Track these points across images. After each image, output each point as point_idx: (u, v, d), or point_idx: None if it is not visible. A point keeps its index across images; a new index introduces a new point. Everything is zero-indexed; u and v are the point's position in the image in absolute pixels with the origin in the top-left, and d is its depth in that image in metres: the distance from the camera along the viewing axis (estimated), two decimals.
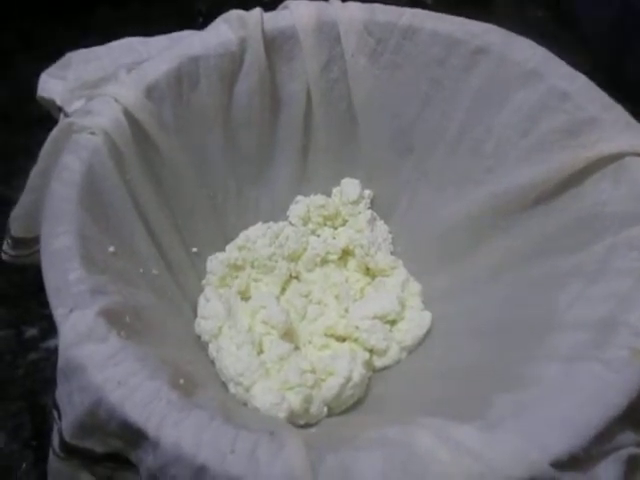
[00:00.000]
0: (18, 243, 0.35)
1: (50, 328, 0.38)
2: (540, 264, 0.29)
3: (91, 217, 0.27)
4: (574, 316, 0.25)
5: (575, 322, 0.25)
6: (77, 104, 0.43)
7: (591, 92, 0.30)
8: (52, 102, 0.44)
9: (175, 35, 0.47)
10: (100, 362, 0.21)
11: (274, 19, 0.34)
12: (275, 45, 0.34)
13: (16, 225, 0.34)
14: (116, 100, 0.30)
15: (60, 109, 0.44)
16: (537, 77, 0.31)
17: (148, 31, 0.49)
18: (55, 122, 0.43)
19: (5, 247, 0.36)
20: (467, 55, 0.33)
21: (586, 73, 0.31)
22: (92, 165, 0.28)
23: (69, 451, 0.23)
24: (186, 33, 0.47)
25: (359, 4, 0.35)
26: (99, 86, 0.42)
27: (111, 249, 0.27)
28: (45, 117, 0.45)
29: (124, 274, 0.27)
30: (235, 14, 0.34)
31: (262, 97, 0.35)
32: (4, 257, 0.37)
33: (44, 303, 0.38)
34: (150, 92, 0.31)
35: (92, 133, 0.29)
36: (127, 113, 0.30)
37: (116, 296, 0.25)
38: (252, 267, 0.35)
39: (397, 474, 0.19)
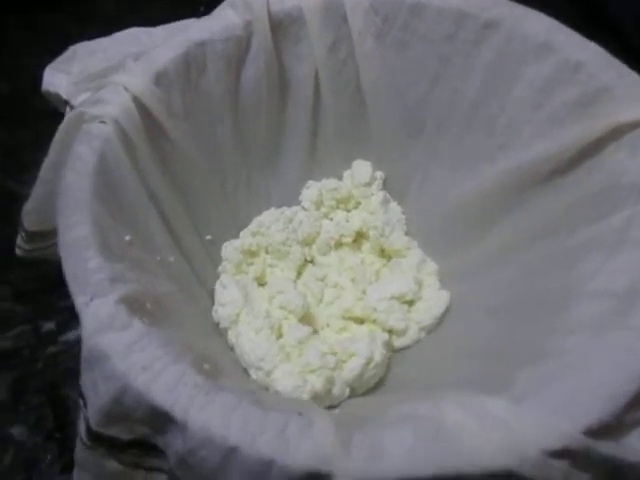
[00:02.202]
0: (33, 237, 0.35)
1: (67, 321, 0.38)
2: (557, 239, 0.29)
3: (106, 206, 0.26)
4: (595, 288, 0.25)
5: (597, 293, 0.25)
6: (83, 97, 0.43)
7: (604, 61, 0.29)
8: (58, 96, 0.43)
9: (179, 24, 0.47)
10: (123, 349, 0.21)
11: (280, 1, 0.34)
12: (281, 28, 0.34)
13: (30, 218, 0.34)
14: (125, 88, 0.30)
15: (66, 102, 0.44)
16: (549, 50, 0.31)
17: (149, 22, 0.49)
18: (61, 116, 0.43)
19: (19, 242, 0.36)
20: (477, 29, 0.32)
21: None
22: (104, 154, 0.28)
23: (96, 439, 0.23)
24: (190, 22, 0.46)
25: None
26: (105, 77, 0.43)
27: (127, 238, 0.27)
28: (51, 111, 0.45)
29: (141, 262, 0.27)
30: None
31: (270, 81, 0.34)
32: (18, 252, 0.37)
33: (60, 297, 0.39)
34: (159, 79, 0.31)
35: (103, 122, 0.28)
36: (137, 101, 0.30)
37: (135, 284, 0.24)
38: (267, 253, 0.35)
39: (427, 448, 0.19)
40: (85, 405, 0.23)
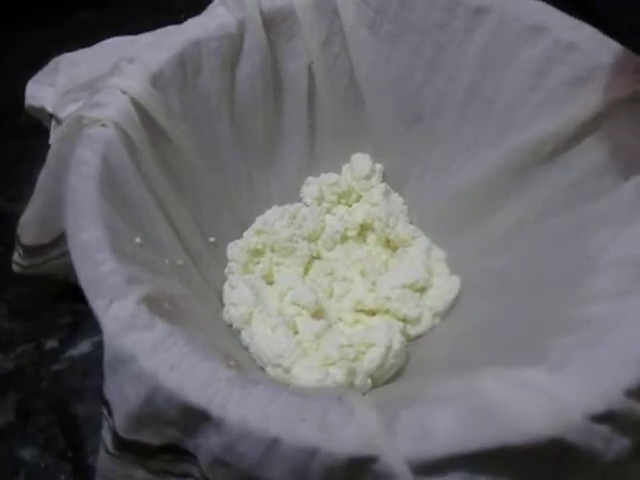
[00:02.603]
0: (31, 251, 0.34)
1: (70, 338, 0.37)
2: (565, 215, 0.29)
3: (114, 209, 0.26)
4: (612, 258, 0.25)
5: (614, 262, 0.25)
6: (70, 108, 0.42)
7: (597, 40, 0.30)
8: (42, 110, 0.43)
9: (162, 31, 0.47)
10: (150, 349, 0.21)
11: None
12: (274, 24, 0.34)
13: (27, 232, 0.33)
14: (123, 91, 0.29)
15: (52, 116, 0.43)
16: (541, 31, 0.31)
17: (129, 31, 0.48)
18: (45, 131, 0.43)
19: (16, 258, 0.35)
20: (468, 16, 0.33)
21: None
22: (108, 157, 0.27)
23: (123, 447, 0.22)
24: (175, 27, 0.46)
25: None
26: (92, 88, 0.42)
27: (138, 240, 0.26)
28: (34, 126, 0.44)
29: (153, 265, 0.27)
30: None
31: (265, 78, 0.34)
32: (16, 268, 0.35)
33: (60, 313, 0.38)
34: (155, 81, 0.30)
35: (103, 125, 0.28)
36: (135, 103, 0.29)
37: (151, 285, 0.24)
38: (272, 251, 0.35)
39: (474, 422, 0.18)
40: (110, 413, 0.22)
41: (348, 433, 0.19)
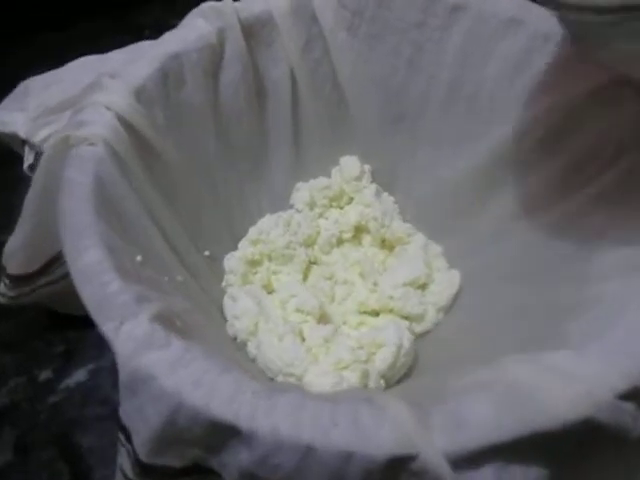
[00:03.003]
0: (18, 281, 0.33)
1: (64, 367, 0.36)
2: (560, 201, 0.30)
3: (112, 228, 0.25)
4: (614, 235, 0.26)
5: (617, 240, 0.25)
6: (43, 132, 0.41)
7: None
8: (14, 136, 0.41)
9: (132, 47, 0.46)
10: (169, 367, 0.20)
11: (248, 6, 0.33)
12: (253, 32, 0.34)
13: (13, 261, 0.32)
14: (107, 108, 0.28)
15: (24, 142, 0.42)
16: (518, 24, 0.32)
17: (96, 50, 0.47)
18: (18, 157, 0.41)
19: (2, 289, 0.34)
20: (445, 14, 0.33)
21: None
22: (100, 176, 0.26)
23: (145, 472, 0.22)
24: (147, 43, 0.45)
25: None
26: (64, 109, 0.41)
27: (138, 258, 0.26)
28: (6, 153, 0.42)
29: (155, 282, 0.26)
30: (208, 6, 0.33)
31: (247, 86, 0.34)
32: (2, 300, 0.34)
33: (52, 342, 0.37)
34: (139, 95, 0.30)
35: (91, 144, 0.27)
36: (121, 119, 0.28)
37: (160, 302, 0.23)
38: (270, 260, 0.34)
39: (507, 411, 0.18)
40: (129, 438, 0.22)
41: (383, 433, 0.18)
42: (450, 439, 0.18)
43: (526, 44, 0.31)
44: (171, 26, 0.57)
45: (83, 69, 0.44)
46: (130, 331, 0.21)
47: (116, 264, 0.23)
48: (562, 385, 0.19)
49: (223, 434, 0.20)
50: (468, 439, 0.18)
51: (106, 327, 0.21)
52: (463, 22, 0.33)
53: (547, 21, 0.31)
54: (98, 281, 0.22)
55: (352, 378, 0.27)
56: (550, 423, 0.18)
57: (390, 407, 0.19)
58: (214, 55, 0.32)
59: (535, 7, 0.32)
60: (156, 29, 0.54)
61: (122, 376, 0.21)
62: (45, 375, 0.35)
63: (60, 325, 0.37)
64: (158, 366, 0.20)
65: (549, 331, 0.24)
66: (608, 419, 0.19)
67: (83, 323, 0.36)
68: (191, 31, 0.32)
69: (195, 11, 0.33)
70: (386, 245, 0.36)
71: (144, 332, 0.21)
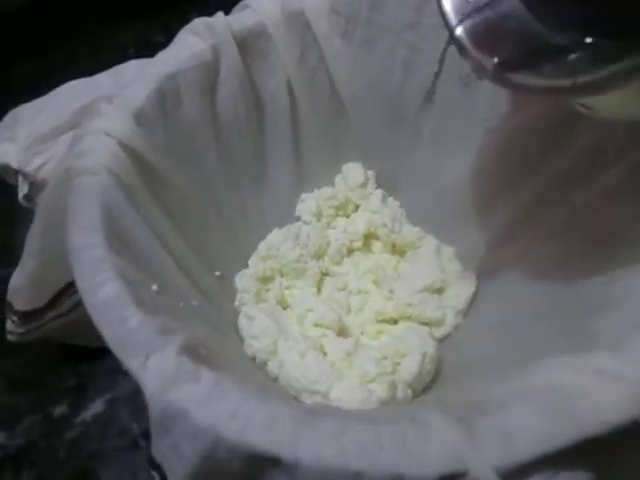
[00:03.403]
0: (26, 317, 0.32)
1: (79, 401, 0.35)
2: (575, 193, 0.29)
3: (125, 259, 0.24)
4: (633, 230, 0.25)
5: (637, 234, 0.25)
6: (37, 161, 0.40)
7: None
8: (6, 167, 0.40)
9: (119, 68, 0.45)
10: (203, 400, 0.19)
11: (240, 20, 0.33)
12: (247, 45, 0.33)
13: (20, 297, 0.31)
14: (107, 134, 0.28)
15: (17, 172, 0.41)
16: None
17: (82, 72, 0.46)
18: (12, 188, 0.40)
19: (10, 327, 0.33)
20: (438, 12, 0.33)
21: None
22: (107, 206, 0.25)
23: None
24: (133, 62, 0.45)
25: None
26: (57, 136, 0.40)
27: (154, 287, 0.25)
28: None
29: (173, 310, 0.25)
30: (200, 22, 0.32)
31: (246, 101, 0.33)
32: (11, 338, 0.33)
33: (64, 376, 0.36)
34: (138, 119, 0.29)
35: (95, 173, 0.26)
36: (123, 145, 0.28)
37: (183, 332, 0.23)
38: (281, 275, 0.34)
39: (555, 419, 0.18)
40: (163, 476, 0.21)
41: (431, 452, 0.18)
42: (499, 453, 0.18)
43: None
44: (155, 42, 0.57)
45: (72, 93, 0.43)
46: (157, 366, 0.20)
47: (134, 297, 0.23)
48: (606, 388, 0.18)
49: (264, 465, 0.19)
50: (517, 452, 0.18)
51: (131, 364, 0.21)
52: None
53: None
54: (118, 316, 0.22)
55: (380, 391, 0.27)
56: (598, 429, 0.18)
57: (435, 424, 0.19)
58: (210, 72, 0.32)
59: None
60: (140, 46, 0.53)
61: (153, 413, 0.20)
62: (60, 410, 0.34)
63: (70, 358, 0.36)
64: (190, 401, 0.19)
65: (575, 331, 0.24)
66: None
67: (94, 354, 0.35)
68: (184, 49, 0.31)
69: (187, 28, 0.32)
70: (397, 251, 0.36)
71: (172, 366, 0.20)
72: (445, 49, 0.27)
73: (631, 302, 0.22)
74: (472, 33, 0.23)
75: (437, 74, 0.32)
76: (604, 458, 0.19)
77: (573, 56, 0.21)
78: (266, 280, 0.34)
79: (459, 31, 0.23)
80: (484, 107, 0.33)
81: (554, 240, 0.30)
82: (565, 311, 0.26)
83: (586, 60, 0.20)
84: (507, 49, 0.22)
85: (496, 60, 0.22)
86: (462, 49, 0.23)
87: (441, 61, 0.29)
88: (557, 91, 0.20)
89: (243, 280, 0.33)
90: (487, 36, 0.24)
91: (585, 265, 0.27)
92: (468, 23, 0.24)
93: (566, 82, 0.20)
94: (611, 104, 0.22)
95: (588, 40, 0.23)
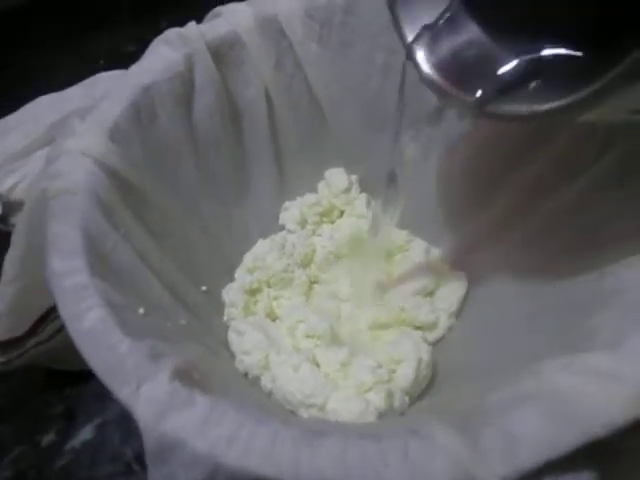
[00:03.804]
0: (7, 346, 0.31)
1: (67, 427, 0.34)
2: (563, 189, 0.29)
3: (108, 283, 0.23)
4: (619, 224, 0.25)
5: (625, 228, 0.25)
6: (9, 181, 0.39)
7: None
8: None
9: (90, 81, 0.44)
10: (199, 427, 0.19)
11: (212, 28, 0.32)
12: (221, 54, 0.32)
13: (0, 326, 0.30)
14: (83, 153, 0.27)
15: None
16: None
17: (52, 85, 0.45)
18: None
19: None
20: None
21: None
22: (87, 228, 0.25)
23: None
24: (104, 74, 0.44)
25: None
26: (29, 154, 0.39)
27: (141, 310, 0.24)
28: None
29: (162, 332, 0.25)
30: (173, 32, 0.31)
31: (222, 111, 0.33)
32: None
33: (50, 403, 0.35)
34: (113, 135, 0.28)
35: (72, 194, 0.25)
36: (99, 163, 0.27)
37: (174, 356, 0.22)
38: (269, 286, 0.33)
39: (558, 424, 0.18)
40: None
41: (437, 466, 0.18)
42: (505, 461, 0.18)
43: None
44: (126, 53, 0.55)
45: (43, 109, 0.42)
46: (150, 394, 0.20)
47: (120, 322, 0.22)
48: (607, 389, 0.18)
49: None
50: (523, 459, 0.17)
51: (122, 393, 0.20)
52: None
53: None
54: (105, 344, 0.21)
55: (377, 400, 0.27)
56: (602, 431, 0.18)
57: (439, 436, 0.18)
58: (184, 83, 0.31)
59: None
60: (111, 57, 0.52)
61: (148, 443, 0.19)
62: (48, 439, 0.33)
63: (56, 383, 0.35)
64: (186, 428, 0.19)
65: (569, 331, 0.23)
66: None
67: (80, 378, 0.34)
68: (157, 61, 0.31)
69: (159, 38, 0.31)
70: (385, 254, 0.35)
71: (165, 393, 0.20)
72: (402, 74, 0.27)
73: (623, 298, 0.22)
74: (442, 70, 0.23)
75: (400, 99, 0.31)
76: (607, 458, 0.19)
77: (553, 74, 0.22)
78: (254, 292, 0.33)
79: (428, 70, 0.23)
80: None
81: (540, 238, 0.29)
82: (558, 311, 0.26)
83: (571, 75, 0.20)
84: (480, 80, 0.22)
85: (479, 93, 0.21)
86: (438, 89, 0.23)
87: (401, 87, 0.28)
88: (550, 113, 0.19)
89: (230, 294, 0.32)
90: (458, 71, 0.24)
91: (573, 265, 0.27)
92: (433, 59, 0.24)
93: (558, 102, 0.19)
94: None
95: (563, 52, 0.23)
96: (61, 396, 0.35)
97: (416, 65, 0.24)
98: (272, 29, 0.33)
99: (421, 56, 0.24)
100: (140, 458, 0.32)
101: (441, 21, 0.25)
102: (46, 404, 0.34)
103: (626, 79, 0.17)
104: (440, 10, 0.25)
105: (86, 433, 0.33)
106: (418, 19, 0.25)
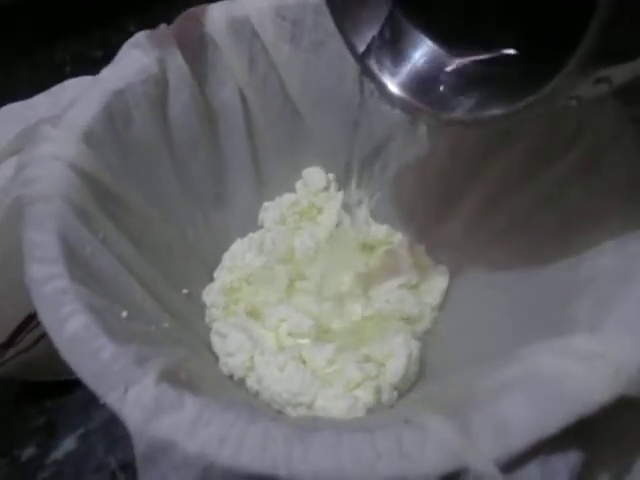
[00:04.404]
0: None
1: (48, 439, 0.33)
2: (539, 178, 0.29)
3: (89, 288, 0.23)
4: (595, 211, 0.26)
5: (600, 214, 0.25)
6: None
7: None
8: None
9: (57, 88, 0.43)
10: (189, 428, 0.19)
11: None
12: (194, 56, 0.32)
13: None
14: (57, 158, 0.26)
15: None
16: None
17: (18, 94, 0.44)
18: None
19: None
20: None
21: None
22: (64, 234, 0.24)
23: None
24: (71, 82, 0.43)
25: None
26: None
27: (124, 314, 0.24)
28: None
29: (146, 335, 0.24)
30: (143, 35, 0.31)
31: (198, 113, 0.33)
32: None
33: (30, 415, 0.34)
34: (88, 139, 0.28)
35: (48, 200, 0.25)
36: (74, 168, 0.26)
37: (160, 358, 0.22)
38: (249, 284, 0.33)
39: (545, 406, 0.18)
40: None
41: (430, 454, 0.18)
42: (496, 445, 0.18)
43: None
44: (93, 58, 0.55)
45: (10, 117, 0.41)
46: (137, 397, 0.19)
47: (104, 326, 0.22)
48: (590, 369, 0.19)
49: None
50: (513, 442, 0.18)
51: (110, 397, 0.20)
52: None
53: None
54: (89, 349, 0.21)
55: (365, 396, 0.27)
56: (587, 409, 0.18)
57: (430, 425, 0.18)
58: (158, 86, 0.31)
59: None
60: (77, 64, 0.51)
61: (138, 447, 0.19)
62: (28, 453, 0.32)
63: (35, 395, 0.34)
64: (177, 430, 0.19)
65: (550, 317, 0.24)
66: (638, 392, 0.19)
67: (60, 388, 0.34)
68: (130, 64, 0.30)
69: (130, 42, 0.31)
70: (366, 249, 0.35)
71: (153, 395, 0.19)
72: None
73: (598, 285, 0.23)
74: (409, 90, 0.24)
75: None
76: (593, 436, 0.20)
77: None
78: (234, 291, 0.33)
79: (397, 92, 0.24)
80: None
81: (517, 233, 0.30)
82: (536, 300, 0.26)
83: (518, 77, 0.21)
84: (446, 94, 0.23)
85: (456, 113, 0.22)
86: (410, 109, 0.24)
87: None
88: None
89: (211, 295, 0.32)
90: (420, 86, 0.24)
91: (550, 255, 0.27)
92: (396, 79, 0.24)
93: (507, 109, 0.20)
94: None
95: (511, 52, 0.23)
96: (41, 408, 0.34)
97: (379, 85, 0.25)
98: (244, 30, 0.33)
99: (384, 76, 0.25)
100: (125, 467, 0.31)
101: (387, 33, 0.25)
102: (25, 417, 0.33)
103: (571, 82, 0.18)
104: (382, 19, 0.25)
105: (68, 444, 0.33)
106: (364, 30, 0.26)
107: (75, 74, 0.45)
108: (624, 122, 0.26)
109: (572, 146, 0.28)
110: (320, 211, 0.37)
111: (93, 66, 0.31)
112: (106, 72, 0.30)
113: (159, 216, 0.31)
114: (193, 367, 0.25)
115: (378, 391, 0.27)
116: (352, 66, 0.34)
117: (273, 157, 0.36)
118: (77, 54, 0.54)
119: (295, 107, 0.35)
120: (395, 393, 0.28)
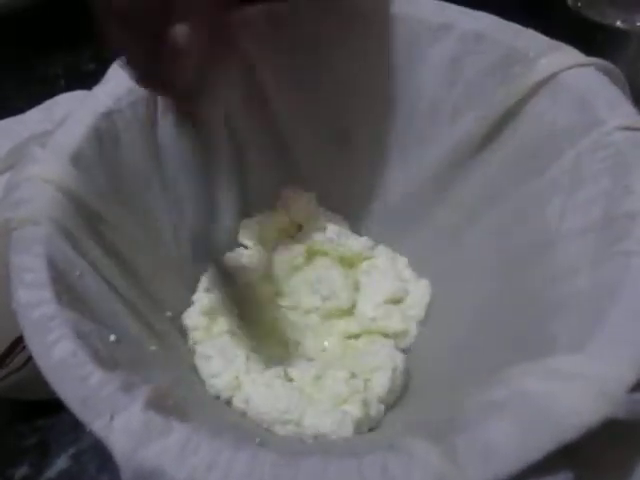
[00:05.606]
0: None
1: (41, 458, 0.33)
2: (512, 195, 0.30)
3: (76, 312, 0.23)
4: (569, 226, 0.26)
5: (574, 230, 0.25)
6: None
7: (500, 26, 0.31)
8: None
9: (49, 103, 0.43)
10: (177, 455, 0.19)
11: None
12: None
13: None
14: (45, 180, 0.26)
15: None
16: (446, 28, 0.32)
17: (13, 108, 0.44)
18: None
19: None
20: (365, 24, 0.33)
21: None
22: (52, 257, 0.24)
23: None
24: (63, 97, 0.43)
25: None
26: None
27: (112, 338, 0.24)
28: None
29: (134, 360, 0.24)
30: None
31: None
32: None
33: (22, 434, 0.34)
34: (76, 161, 0.28)
35: (35, 223, 0.25)
36: (62, 191, 0.26)
37: (147, 385, 0.22)
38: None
39: (532, 430, 0.18)
40: None
41: (416, 479, 0.18)
42: (482, 471, 0.18)
43: (457, 47, 0.31)
44: (86, 71, 0.55)
45: (2, 133, 0.41)
46: (124, 425, 0.20)
47: (90, 352, 0.22)
48: (576, 391, 0.19)
49: None
50: (500, 467, 0.18)
51: (96, 425, 0.20)
52: (387, 31, 0.33)
53: (474, 21, 0.31)
54: (76, 376, 0.21)
55: (353, 411, 0.27)
56: (574, 432, 0.18)
57: (416, 450, 0.19)
58: (148, 107, 0.31)
59: (459, 9, 0.32)
60: (70, 77, 0.51)
61: (125, 475, 0.19)
62: (21, 472, 0.32)
63: (27, 414, 0.34)
64: (164, 457, 0.19)
65: (537, 333, 0.24)
66: (627, 413, 0.19)
67: (52, 407, 0.34)
68: (119, 84, 0.30)
69: (118, 62, 0.31)
70: (346, 263, 0.35)
71: (140, 423, 0.19)
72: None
73: (581, 301, 0.23)
74: None
75: None
76: (581, 456, 0.20)
77: None
78: (213, 312, 0.32)
79: None
80: (425, 118, 0.34)
81: (497, 242, 0.30)
82: (524, 313, 0.27)
83: None
84: None
85: None
86: None
87: None
88: None
89: (192, 317, 0.32)
90: None
91: (531, 265, 0.27)
92: None
93: None
94: None
95: None
96: (34, 427, 0.34)
97: None
98: None
99: None
100: None
101: None
102: (18, 436, 0.33)
103: None
104: None
105: (61, 463, 0.33)
106: None
107: (68, 88, 0.46)
108: None
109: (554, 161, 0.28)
110: (300, 228, 0.37)
111: (85, 80, 0.32)
112: (97, 91, 0.30)
113: (146, 237, 0.31)
114: (180, 391, 0.25)
115: (366, 404, 0.27)
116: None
117: (258, 175, 0.36)
118: (70, 68, 0.54)
119: (277, 124, 0.35)
120: (382, 407, 0.28)
